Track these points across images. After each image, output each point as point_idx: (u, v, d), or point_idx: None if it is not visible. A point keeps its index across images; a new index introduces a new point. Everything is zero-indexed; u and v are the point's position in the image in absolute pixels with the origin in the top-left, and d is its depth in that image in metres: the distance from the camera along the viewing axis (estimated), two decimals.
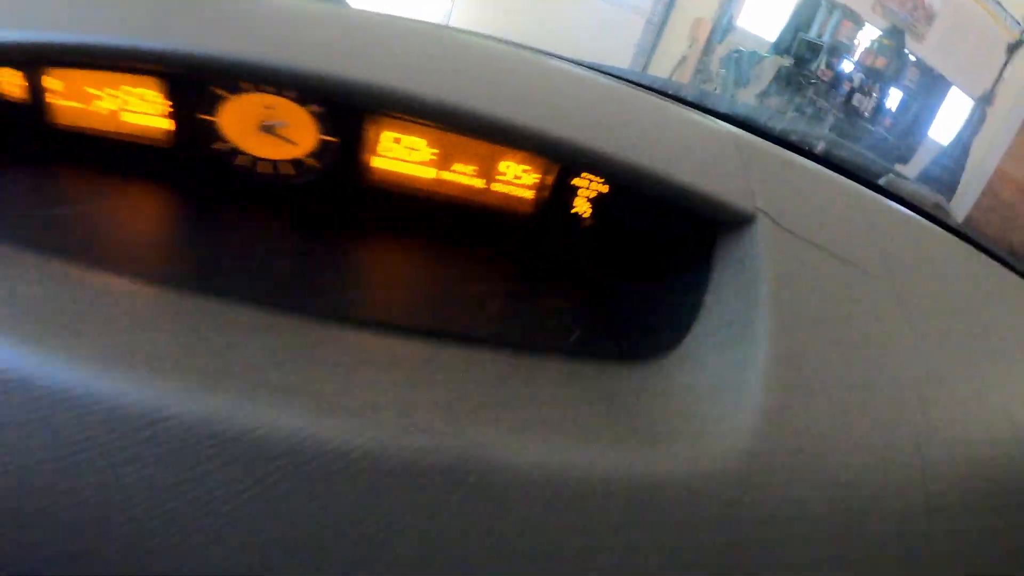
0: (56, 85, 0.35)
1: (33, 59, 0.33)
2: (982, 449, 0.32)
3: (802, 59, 2.82)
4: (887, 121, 2.70)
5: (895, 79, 2.67)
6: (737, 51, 3.06)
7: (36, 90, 0.35)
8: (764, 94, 2.86)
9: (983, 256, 0.43)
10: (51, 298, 0.25)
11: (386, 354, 0.27)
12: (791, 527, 0.28)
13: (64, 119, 0.36)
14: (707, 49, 3.23)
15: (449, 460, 0.23)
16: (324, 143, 0.37)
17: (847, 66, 2.79)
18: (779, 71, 2.90)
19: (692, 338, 0.32)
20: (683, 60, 3.27)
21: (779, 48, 2.97)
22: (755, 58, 3.02)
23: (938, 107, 2.78)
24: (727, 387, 0.29)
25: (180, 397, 0.22)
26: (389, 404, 0.24)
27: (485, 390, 0.27)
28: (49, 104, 0.35)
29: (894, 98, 2.74)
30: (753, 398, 0.28)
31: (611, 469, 0.25)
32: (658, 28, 3.36)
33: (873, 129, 2.67)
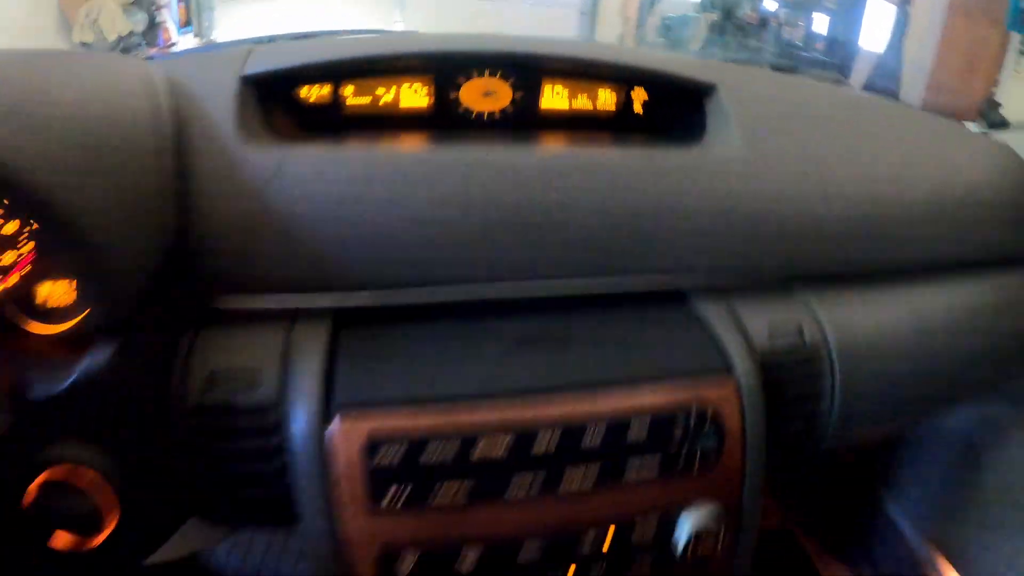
0: (349, 90, 0.61)
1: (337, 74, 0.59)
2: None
3: (728, 10, 3.14)
4: (819, 45, 3.00)
5: (816, 4, 2.97)
6: (668, 18, 3.38)
7: (336, 94, 0.61)
8: (704, 50, 3.16)
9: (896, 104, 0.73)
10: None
11: None
12: (769, 194, 0.57)
13: (352, 110, 0.62)
14: (640, 24, 3.55)
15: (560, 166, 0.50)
16: (515, 99, 0.64)
17: (771, 4, 3.10)
18: (711, 26, 3.21)
19: (705, 139, 0.61)
20: (621, 39, 3.59)
21: (705, 6, 3.30)
22: (686, 20, 3.33)
23: (861, 19, 3.06)
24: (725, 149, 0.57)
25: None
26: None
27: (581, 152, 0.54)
28: (344, 101, 0.61)
29: (820, 22, 3.03)
30: (738, 147, 0.57)
31: (665, 157, 0.54)
32: (591, 17, 3.68)
33: (808, 55, 2.95)
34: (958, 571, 1.10)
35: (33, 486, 0.36)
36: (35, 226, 0.39)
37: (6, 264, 0.42)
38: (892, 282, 0.65)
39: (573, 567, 0.46)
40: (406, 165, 0.51)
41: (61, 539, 0.38)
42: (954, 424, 1.07)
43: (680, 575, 0.49)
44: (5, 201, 0.37)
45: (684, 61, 0.66)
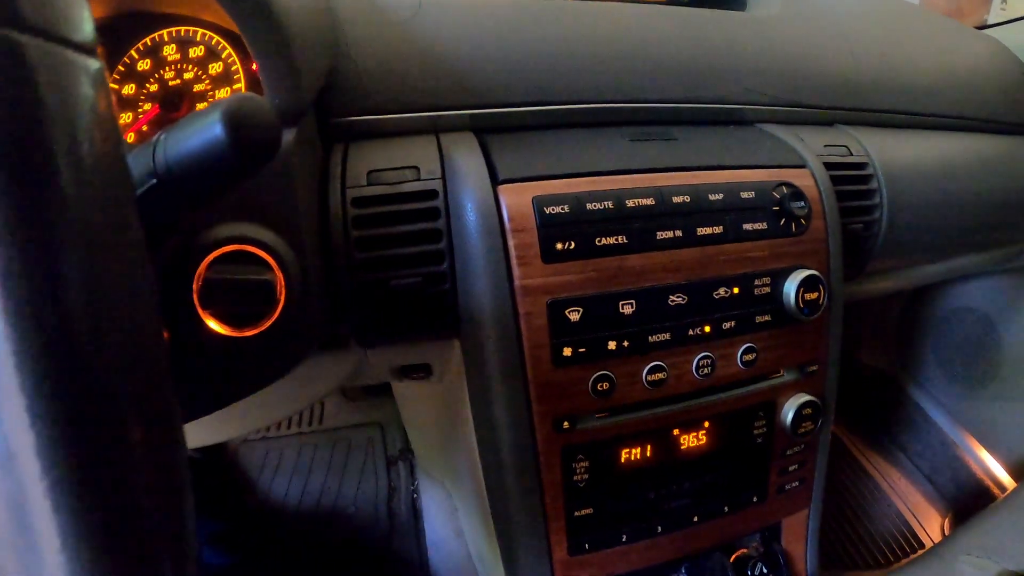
0: None
1: None
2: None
3: None
4: None
5: None
6: None
7: None
8: None
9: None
10: None
11: None
12: (805, 47, 0.73)
13: None
14: None
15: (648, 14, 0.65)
16: None
17: None
18: None
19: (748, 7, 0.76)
20: None
21: None
22: None
23: None
24: (766, 12, 0.72)
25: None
26: None
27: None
28: None
29: None
30: (777, 12, 0.72)
31: (719, 15, 0.70)
32: None
33: None
34: (986, 447, 1.25)
35: (211, 257, 0.40)
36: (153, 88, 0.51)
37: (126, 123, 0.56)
38: (920, 132, 0.82)
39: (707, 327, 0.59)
40: (523, 8, 0.64)
41: (227, 323, 0.42)
42: (969, 301, 1.22)
43: (791, 326, 0.63)
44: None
45: None
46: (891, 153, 0.74)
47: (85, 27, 0.19)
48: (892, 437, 1.38)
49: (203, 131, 0.31)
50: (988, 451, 1.23)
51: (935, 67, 0.85)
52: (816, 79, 0.75)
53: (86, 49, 0.19)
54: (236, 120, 0.31)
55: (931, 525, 1.26)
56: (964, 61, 0.89)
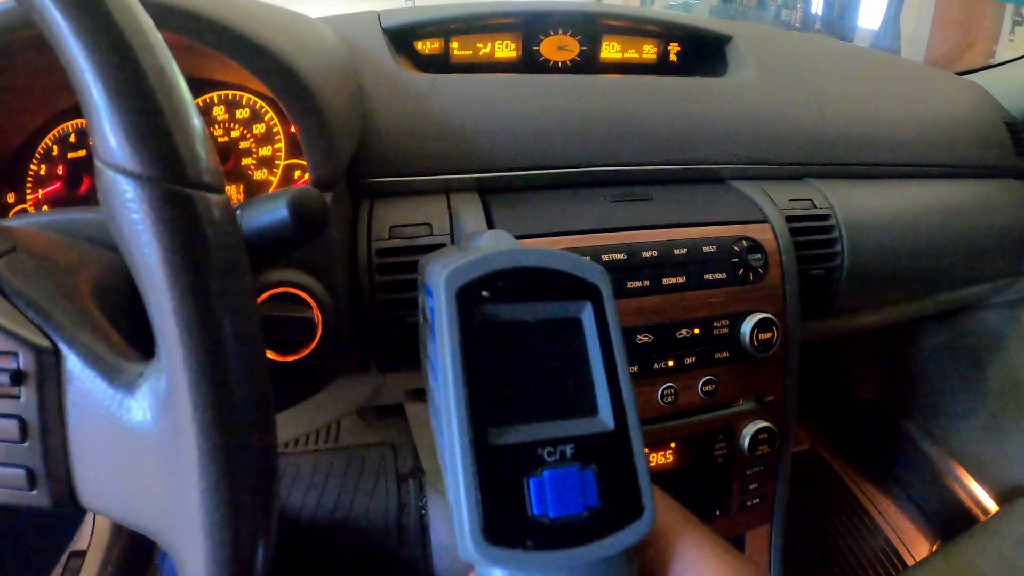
0: (455, 44, 0.88)
1: (447, 31, 0.86)
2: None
3: None
4: (817, 25, 3.34)
5: None
6: (671, 4, 3.75)
7: (446, 47, 0.88)
8: None
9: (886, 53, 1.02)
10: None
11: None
12: (779, 110, 0.87)
13: (458, 59, 0.89)
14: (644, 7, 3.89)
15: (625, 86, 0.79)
16: (582, 51, 0.91)
17: None
18: (710, 11, 3.57)
19: (727, 74, 0.90)
20: None
21: None
22: (688, 7, 3.70)
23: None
24: (743, 79, 0.87)
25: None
26: None
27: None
28: (452, 52, 0.89)
29: (816, 3, 3.39)
30: (753, 78, 0.86)
31: (698, 83, 0.84)
32: (596, 3, 4.00)
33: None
34: (974, 476, 1.36)
35: (263, 296, 0.52)
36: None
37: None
38: (887, 181, 0.94)
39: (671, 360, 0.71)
40: (522, 85, 0.78)
41: (275, 350, 0.53)
42: (957, 335, 1.34)
43: (748, 362, 0.75)
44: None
45: (708, 20, 0.96)
46: (855, 203, 0.87)
47: (220, 175, 0.33)
48: (883, 467, 1.49)
49: (272, 212, 0.45)
50: (976, 480, 1.32)
51: (907, 118, 0.98)
52: (787, 137, 0.88)
53: (220, 189, 0.33)
54: (298, 207, 0.45)
55: (920, 552, 1.36)
56: (939, 110, 1.02)
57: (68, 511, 0.37)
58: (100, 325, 0.37)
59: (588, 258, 0.63)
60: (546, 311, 0.30)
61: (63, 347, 0.34)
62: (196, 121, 0.32)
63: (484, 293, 0.28)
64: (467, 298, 0.28)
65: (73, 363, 0.34)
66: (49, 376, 0.34)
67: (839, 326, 0.94)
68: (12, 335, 0.34)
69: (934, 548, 1.35)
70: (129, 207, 0.30)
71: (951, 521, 1.34)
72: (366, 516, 1.33)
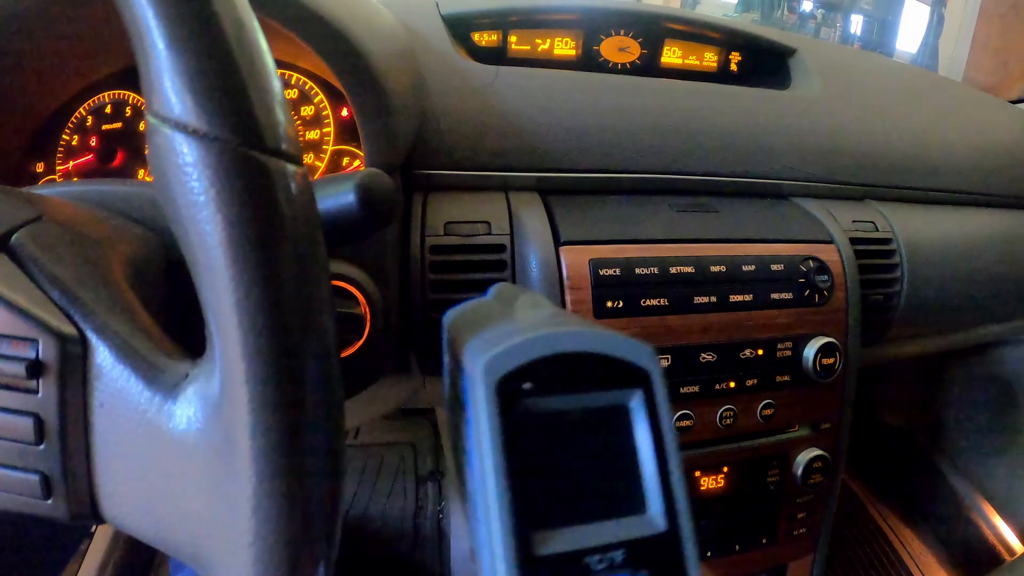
0: (513, 38, 0.83)
1: (506, 24, 0.81)
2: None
3: (766, 10, 3.42)
4: (856, 46, 3.27)
5: (852, 6, 3.26)
6: None
7: (504, 40, 0.82)
8: None
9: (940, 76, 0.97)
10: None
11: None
12: (843, 127, 0.80)
13: (515, 54, 0.83)
14: None
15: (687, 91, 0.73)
16: (642, 54, 0.85)
17: (807, 5, 3.39)
18: None
19: (791, 87, 0.83)
20: None
21: (744, 6, 3.58)
22: None
23: (898, 21, 3.32)
24: (808, 93, 0.80)
25: None
26: None
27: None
28: (509, 46, 0.83)
29: (856, 23, 3.33)
30: (818, 92, 0.80)
31: (761, 94, 0.78)
32: None
33: None
34: (1000, 514, 1.29)
35: None
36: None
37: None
38: (944, 207, 0.89)
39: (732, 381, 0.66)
40: (586, 84, 0.72)
41: None
42: (993, 369, 1.27)
43: (807, 387, 0.70)
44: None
45: (772, 31, 0.89)
46: (916, 229, 0.81)
47: (298, 144, 0.27)
48: (909, 497, 1.42)
49: (337, 196, 0.40)
50: (1003, 518, 1.26)
51: (966, 144, 0.92)
52: (850, 157, 0.82)
53: (299, 160, 0.27)
54: (367, 191, 0.39)
55: None
56: (996, 137, 0.96)
57: (85, 524, 0.31)
58: (138, 314, 0.31)
59: (656, 269, 0.57)
60: (592, 400, 0.26)
61: (92, 336, 0.29)
62: (276, 83, 0.27)
63: (527, 385, 0.24)
64: (508, 391, 0.24)
65: (103, 356, 0.29)
66: (73, 369, 0.29)
67: (886, 353, 0.88)
68: (32, 318, 0.28)
69: None
70: (187, 172, 0.24)
71: (974, 558, 1.28)
72: (381, 517, 1.28)
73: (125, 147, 0.65)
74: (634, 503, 0.25)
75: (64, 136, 0.64)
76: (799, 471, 0.70)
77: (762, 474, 0.70)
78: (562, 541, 0.23)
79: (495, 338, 0.25)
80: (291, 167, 0.26)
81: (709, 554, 0.70)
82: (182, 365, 0.28)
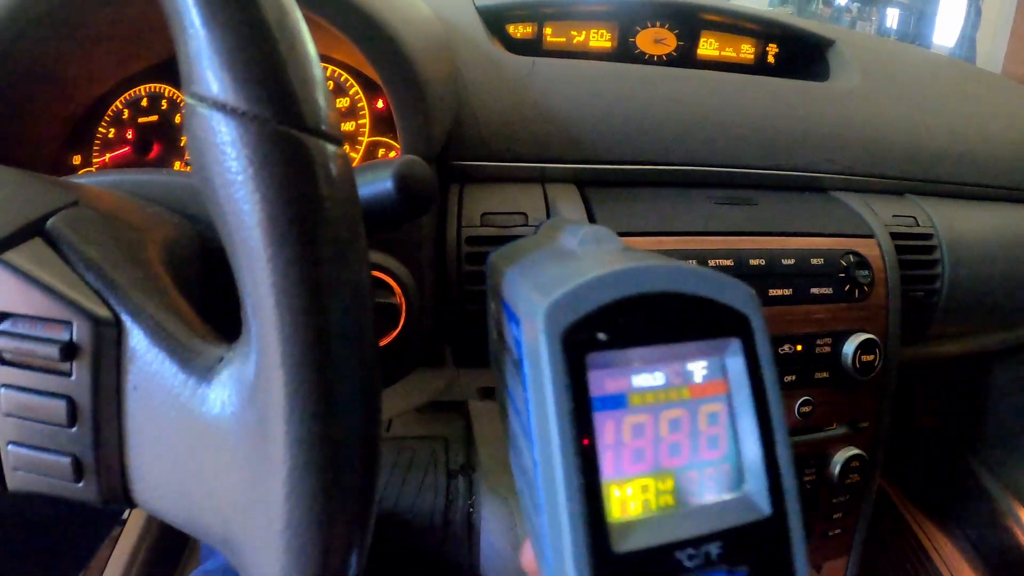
0: (549, 30, 0.81)
1: (541, 15, 0.79)
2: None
3: (802, 3, 3.35)
4: (892, 39, 3.18)
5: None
6: None
7: (539, 32, 0.81)
8: None
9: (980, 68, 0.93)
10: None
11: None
12: (883, 120, 0.77)
13: (550, 46, 0.82)
14: None
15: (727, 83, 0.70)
16: (679, 46, 0.83)
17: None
18: None
19: (831, 79, 0.81)
20: None
21: (777, 3, 3.52)
22: None
23: (935, 13, 3.22)
24: (847, 84, 0.77)
25: None
26: None
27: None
28: (544, 38, 0.81)
29: (892, 17, 3.24)
30: (858, 84, 0.77)
31: (801, 85, 0.75)
32: None
33: None
34: None
35: None
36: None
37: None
38: (986, 203, 0.85)
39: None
40: (623, 75, 0.71)
41: None
42: None
43: (846, 385, 0.68)
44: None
45: (809, 22, 0.87)
46: (957, 224, 0.78)
47: (338, 125, 0.26)
48: (942, 500, 1.39)
49: (375, 183, 0.38)
50: None
51: (1007, 138, 0.88)
52: (890, 151, 0.80)
53: (339, 141, 0.26)
54: (406, 179, 0.38)
55: None
56: None
57: (117, 508, 0.30)
58: (172, 297, 0.30)
59: (694, 262, 0.55)
60: (679, 353, 0.21)
61: (126, 319, 0.28)
62: (316, 64, 0.26)
63: (600, 336, 0.19)
64: (576, 344, 0.19)
65: (137, 339, 0.28)
66: (107, 352, 0.28)
67: (926, 352, 0.85)
68: (66, 301, 0.28)
69: None
70: (225, 152, 0.23)
71: (1007, 565, 1.23)
72: (411, 510, 1.27)
73: (161, 140, 0.65)
74: (731, 482, 0.21)
75: (101, 129, 0.64)
76: (836, 470, 0.67)
77: (798, 473, 0.67)
78: (645, 534, 0.19)
79: (557, 278, 0.21)
80: (331, 147, 0.25)
81: None
82: (217, 348, 0.28)
